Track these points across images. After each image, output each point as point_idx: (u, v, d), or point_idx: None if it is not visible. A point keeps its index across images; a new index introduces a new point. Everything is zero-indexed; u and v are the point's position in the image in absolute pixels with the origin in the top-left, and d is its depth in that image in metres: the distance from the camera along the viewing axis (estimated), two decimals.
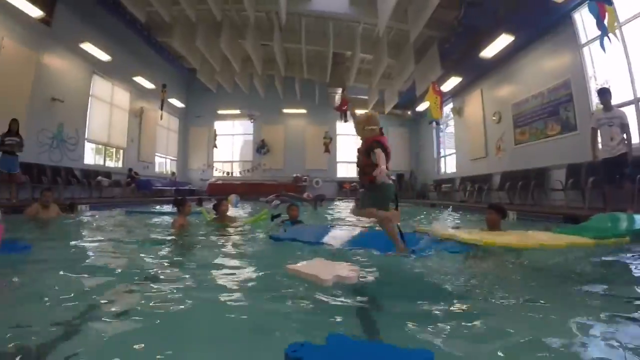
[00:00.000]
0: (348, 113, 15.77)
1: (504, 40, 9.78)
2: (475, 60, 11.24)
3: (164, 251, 3.48)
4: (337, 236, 4.11)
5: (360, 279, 2.33)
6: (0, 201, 7.43)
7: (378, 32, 12.50)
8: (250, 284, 2.33)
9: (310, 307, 1.87)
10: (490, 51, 10.38)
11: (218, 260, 3.06)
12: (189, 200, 6.02)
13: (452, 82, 13.01)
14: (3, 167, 7.62)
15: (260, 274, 2.60)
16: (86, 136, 12.34)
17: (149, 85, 15.22)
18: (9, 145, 7.63)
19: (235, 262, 3.00)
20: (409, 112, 18.93)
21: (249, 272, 2.67)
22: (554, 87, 9.38)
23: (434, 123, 14.11)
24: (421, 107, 16.32)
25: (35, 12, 9.34)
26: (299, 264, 2.46)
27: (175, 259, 3.18)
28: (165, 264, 2.89)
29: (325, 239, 3.82)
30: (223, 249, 3.66)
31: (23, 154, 8.13)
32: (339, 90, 17.12)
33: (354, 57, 14.01)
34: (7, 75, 8.97)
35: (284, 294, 2.05)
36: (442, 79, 12.49)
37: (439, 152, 17.88)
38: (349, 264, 2.57)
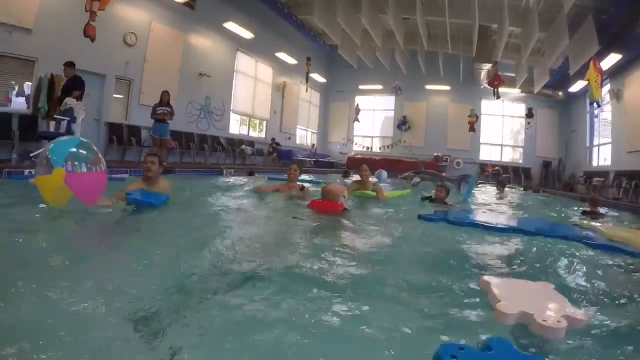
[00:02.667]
0: (499, 89, 15.20)
1: None
2: (637, 35, 9.52)
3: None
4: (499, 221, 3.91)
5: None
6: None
7: (527, 1, 11.69)
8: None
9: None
10: None
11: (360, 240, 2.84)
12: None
13: (609, 60, 11.06)
14: (155, 134, 8.65)
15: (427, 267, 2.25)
16: (231, 108, 13.67)
17: (291, 60, 16.11)
18: (161, 114, 8.57)
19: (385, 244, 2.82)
20: (560, 93, 16.71)
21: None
22: None
23: (595, 104, 12.42)
24: (575, 87, 14.33)
25: None
26: (498, 283, 1.52)
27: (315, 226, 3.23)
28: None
29: (484, 221, 3.60)
30: (371, 226, 3.46)
31: (174, 123, 9.13)
32: (486, 66, 16.32)
33: (502, 30, 12.85)
34: (158, 54, 10.35)
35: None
36: (598, 57, 10.98)
37: (592, 140, 15.40)
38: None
